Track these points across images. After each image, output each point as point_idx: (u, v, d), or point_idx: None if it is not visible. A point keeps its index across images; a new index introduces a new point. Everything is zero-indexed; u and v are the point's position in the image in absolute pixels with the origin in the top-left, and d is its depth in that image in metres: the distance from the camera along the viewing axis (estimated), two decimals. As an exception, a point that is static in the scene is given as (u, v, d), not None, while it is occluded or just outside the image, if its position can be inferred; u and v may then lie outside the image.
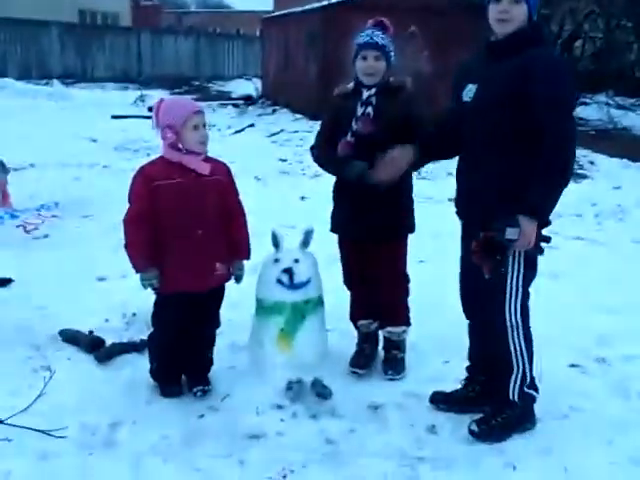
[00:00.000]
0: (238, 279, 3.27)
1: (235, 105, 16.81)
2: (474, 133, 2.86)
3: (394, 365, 3.53)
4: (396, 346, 3.57)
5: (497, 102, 2.72)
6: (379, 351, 3.66)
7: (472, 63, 2.98)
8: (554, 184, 2.66)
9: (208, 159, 3.10)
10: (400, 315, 3.57)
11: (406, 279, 3.55)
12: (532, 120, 2.65)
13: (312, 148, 3.56)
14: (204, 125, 3.05)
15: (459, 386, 3.26)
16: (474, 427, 2.96)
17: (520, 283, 2.86)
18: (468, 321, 3.22)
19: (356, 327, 3.67)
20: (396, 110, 3.27)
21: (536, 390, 3.02)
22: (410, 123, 3.27)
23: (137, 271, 3.03)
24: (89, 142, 10.67)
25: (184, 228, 3.02)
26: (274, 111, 15.74)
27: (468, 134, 2.90)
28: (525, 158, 2.69)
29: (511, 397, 2.97)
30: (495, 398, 3.07)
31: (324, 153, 3.44)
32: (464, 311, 3.20)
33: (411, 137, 3.22)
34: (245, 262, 3.28)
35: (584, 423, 3.09)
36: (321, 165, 3.51)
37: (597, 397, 3.32)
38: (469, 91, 2.85)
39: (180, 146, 3.00)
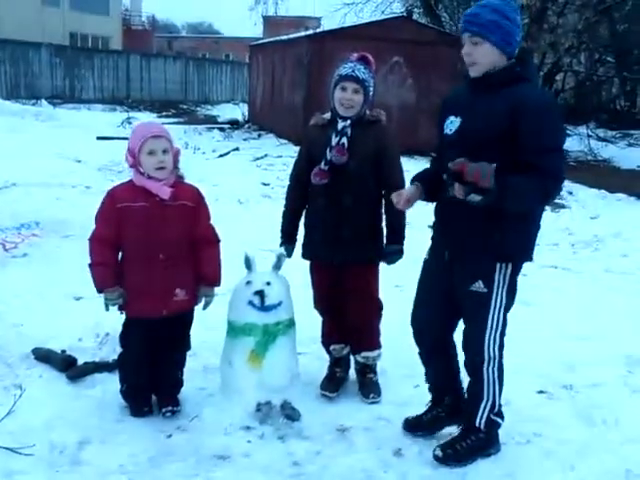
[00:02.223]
0: (206, 305, 3.28)
1: (221, 129, 16.95)
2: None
3: (374, 389, 3.57)
4: (372, 370, 3.62)
5: (480, 136, 2.67)
6: (350, 375, 3.70)
7: (456, 96, 2.93)
8: (529, 198, 2.64)
9: (177, 184, 3.12)
10: (374, 340, 3.62)
11: (379, 304, 3.60)
12: (515, 155, 2.62)
13: (291, 178, 3.64)
14: (164, 150, 3.02)
15: (425, 410, 3.29)
16: (438, 452, 3.00)
17: (502, 316, 2.88)
18: (418, 348, 3.21)
19: (328, 351, 3.71)
20: (370, 142, 3.35)
21: (502, 417, 3.06)
22: (383, 156, 3.37)
23: (99, 290, 3.07)
24: (73, 162, 10.68)
25: (145, 252, 3.05)
26: (259, 136, 15.88)
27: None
28: None
29: (477, 424, 3.01)
30: (461, 420, 3.12)
31: (288, 204, 3.62)
32: (414, 333, 3.18)
33: (383, 169, 3.35)
34: (215, 288, 3.29)
35: (547, 448, 3.13)
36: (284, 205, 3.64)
37: (562, 423, 3.37)
38: (450, 123, 2.83)
39: (141, 170, 3.04)
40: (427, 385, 3.31)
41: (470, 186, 2.53)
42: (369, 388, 3.57)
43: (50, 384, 3.50)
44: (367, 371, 3.63)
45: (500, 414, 3.05)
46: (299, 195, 3.54)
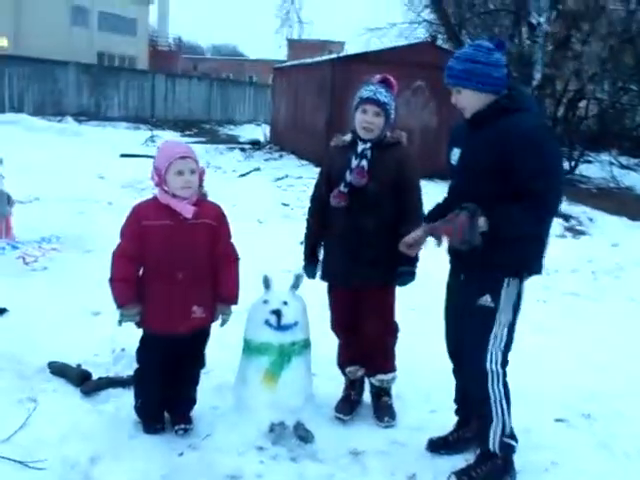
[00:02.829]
0: (223, 323, 3.27)
1: (243, 149, 17.05)
2: (460, 194, 2.92)
3: (389, 412, 3.53)
4: (387, 393, 3.59)
5: (477, 167, 2.82)
6: (364, 398, 3.67)
7: (459, 129, 3.07)
8: (518, 225, 2.75)
9: (200, 202, 3.13)
10: (390, 362, 3.59)
11: (395, 327, 3.57)
12: (507, 188, 2.73)
13: (312, 199, 3.65)
14: (192, 171, 3.05)
15: (451, 430, 3.29)
16: (453, 479, 2.95)
17: (506, 331, 2.91)
18: (452, 364, 3.25)
19: (343, 373, 3.68)
20: (390, 165, 3.34)
21: (515, 440, 3.01)
22: (402, 178, 3.35)
23: (118, 306, 3.06)
24: (96, 179, 10.81)
25: (165, 270, 3.05)
26: (281, 156, 15.95)
27: (455, 194, 3.00)
28: None
29: (491, 448, 2.97)
30: (478, 445, 3.08)
31: (309, 226, 3.62)
32: (448, 352, 3.24)
33: (402, 191, 3.34)
34: (233, 307, 3.28)
35: (565, 478, 3.07)
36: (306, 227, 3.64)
37: (581, 453, 3.30)
38: (454, 155, 2.99)
39: (166, 189, 3.05)
40: (454, 407, 3.32)
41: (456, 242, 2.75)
42: (384, 412, 3.53)
43: (64, 398, 3.50)
44: (382, 394, 3.59)
45: (513, 437, 3.01)
46: (320, 217, 3.54)
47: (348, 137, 3.47)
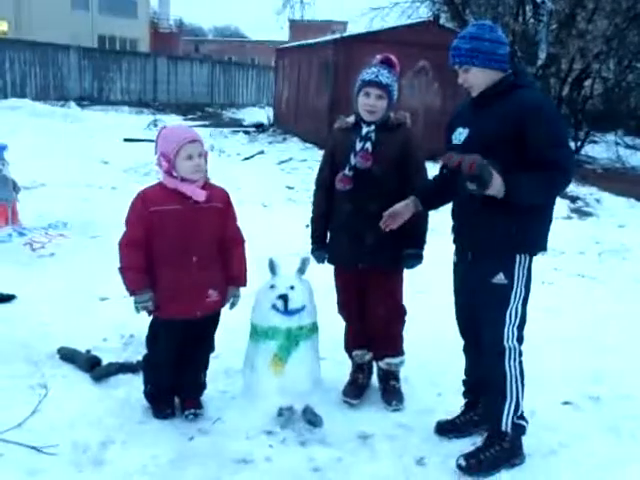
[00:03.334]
0: (232, 305, 3.30)
1: (246, 132, 17.00)
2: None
3: (396, 396, 3.55)
4: (395, 376, 3.60)
5: (488, 144, 2.81)
6: (372, 381, 3.68)
7: (462, 109, 3.12)
8: (537, 192, 2.79)
9: (207, 186, 3.14)
10: (397, 346, 3.60)
11: (403, 310, 3.57)
12: (521, 159, 2.76)
13: (316, 183, 3.64)
14: (199, 154, 3.05)
15: (459, 413, 3.31)
16: (462, 462, 2.97)
17: (520, 307, 2.95)
18: (463, 342, 3.27)
19: (350, 357, 3.70)
20: (394, 146, 3.33)
21: (526, 421, 3.04)
22: (408, 159, 3.35)
23: (131, 294, 3.06)
24: (100, 164, 10.80)
25: (179, 254, 3.06)
26: (284, 139, 15.90)
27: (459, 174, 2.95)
28: None
29: (503, 427, 2.99)
30: (486, 427, 3.10)
31: (315, 210, 3.61)
32: (460, 331, 3.26)
33: (408, 173, 3.34)
34: (242, 289, 3.32)
35: (573, 460, 3.09)
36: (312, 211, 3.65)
37: (588, 435, 3.32)
38: (459, 134, 3.00)
39: (174, 174, 3.05)
40: (463, 389, 3.34)
41: (467, 177, 2.71)
42: (392, 395, 3.55)
43: (74, 384, 3.53)
44: (390, 378, 3.60)
45: (524, 417, 3.03)
46: (325, 200, 3.53)
47: (352, 119, 3.45)
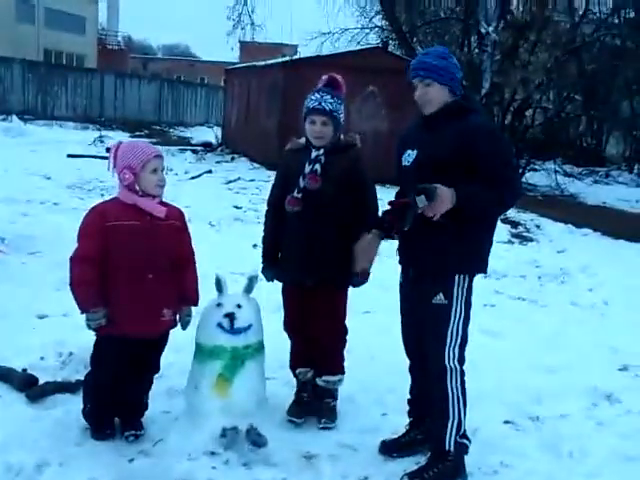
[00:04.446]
0: (184, 325, 3.26)
1: (194, 151, 16.89)
2: None
3: (328, 414, 3.54)
4: (330, 394, 3.59)
5: (437, 165, 2.89)
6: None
7: (411, 131, 3.19)
8: (487, 203, 2.89)
9: (163, 203, 3.11)
10: (336, 364, 3.59)
11: (344, 330, 3.58)
12: (469, 180, 2.84)
13: (268, 202, 3.65)
14: (162, 169, 3.07)
15: (403, 432, 3.32)
16: None
17: (461, 327, 3.00)
18: (409, 361, 3.29)
19: (295, 375, 3.68)
20: (344, 167, 3.37)
21: (468, 440, 3.08)
22: (357, 179, 3.39)
23: (83, 311, 2.96)
24: (42, 179, 10.55)
25: (135, 271, 3.00)
26: (233, 159, 15.88)
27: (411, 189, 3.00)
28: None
29: (447, 447, 3.01)
30: (431, 446, 3.12)
31: (266, 229, 3.63)
32: (406, 350, 3.28)
33: (357, 193, 3.37)
34: (193, 308, 3.29)
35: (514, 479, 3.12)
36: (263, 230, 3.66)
37: (529, 454, 3.37)
38: (408, 156, 3.06)
39: (137, 188, 3.01)
40: (407, 408, 3.36)
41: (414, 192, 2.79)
42: (324, 413, 3.54)
43: (9, 404, 3.40)
44: (326, 395, 3.59)
45: (466, 437, 3.07)
46: (276, 219, 3.54)
47: (303, 140, 3.48)
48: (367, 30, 19.75)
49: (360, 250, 3.14)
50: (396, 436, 3.33)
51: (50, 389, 3.52)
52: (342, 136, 3.45)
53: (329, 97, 3.35)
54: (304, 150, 3.43)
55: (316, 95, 3.36)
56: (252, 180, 12.56)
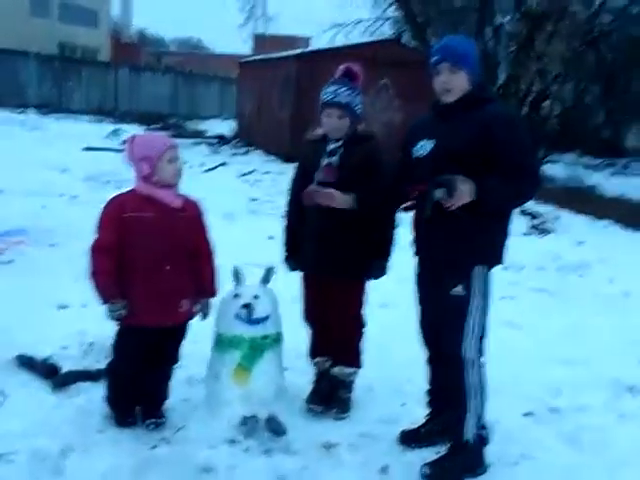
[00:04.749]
0: (204, 316, 3.29)
1: (209, 144, 16.91)
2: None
3: (340, 404, 3.54)
4: (345, 386, 3.59)
5: (456, 154, 2.87)
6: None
7: (424, 122, 3.16)
8: (508, 196, 2.86)
9: (179, 195, 3.13)
10: (351, 357, 3.59)
11: (360, 323, 3.57)
12: (488, 170, 2.81)
13: (289, 192, 3.66)
14: (178, 159, 3.09)
15: (422, 422, 3.33)
16: (426, 470, 2.98)
17: (479, 319, 2.98)
18: (427, 352, 3.29)
19: (313, 364, 3.68)
20: (361, 159, 3.34)
21: (488, 431, 3.08)
22: (374, 171, 3.35)
23: (103, 301, 2.98)
24: (59, 172, 10.60)
25: (153, 262, 3.02)
26: (247, 151, 15.88)
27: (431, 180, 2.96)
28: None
29: (466, 437, 3.01)
30: (450, 437, 3.12)
31: (287, 219, 3.66)
32: (423, 342, 3.28)
33: (371, 184, 3.33)
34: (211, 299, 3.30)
35: (534, 471, 3.12)
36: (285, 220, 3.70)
37: (549, 446, 3.36)
38: (421, 147, 3.02)
39: (154, 179, 3.02)
40: (427, 399, 3.36)
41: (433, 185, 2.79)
42: (335, 403, 3.54)
43: (33, 392, 3.44)
44: (340, 386, 3.59)
45: (486, 428, 3.07)
46: (297, 209, 3.54)
47: (321, 131, 3.47)
48: (381, 21, 19.63)
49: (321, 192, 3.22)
50: (415, 426, 3.33)
51: (72, 377, 3.56)
52: (359, 127, 3.42)
53: (345, 89, 3.32)
54: (322, 141, 3.42)
55: (332, 87, 3.33)
56: (267, 172, 12.57)
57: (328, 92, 3.33)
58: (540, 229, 9.44)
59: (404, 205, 3.05)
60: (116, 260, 2.97)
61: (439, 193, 2.76)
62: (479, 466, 3.06)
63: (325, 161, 3.34)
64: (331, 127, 3.34)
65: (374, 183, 3.33)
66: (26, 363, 3.67)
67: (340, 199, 3.25)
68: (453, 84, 2.95)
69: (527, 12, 15.07)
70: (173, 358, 3.31)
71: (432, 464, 3.01)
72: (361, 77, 3.44)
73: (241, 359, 3.30)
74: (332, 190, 3.24)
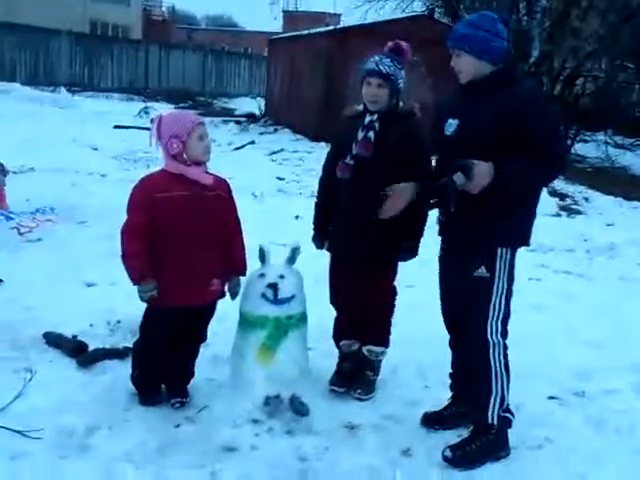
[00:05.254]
0: (234, 295, 3.31)
1: (238, 122, 16.92)
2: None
3: (364, 385, 3.54)
4: (371, 366, 3.59)
5: (479, 135, 2.84)
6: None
7: (451, 100, 3.14)
8: (529, 179, 2.84)
9: (208, 174, 3.13)
10: (382, 336, 3.59)
11: (391, 302, 3.56)
12: (511, 151, 2.78)
13: (322, 170, 3.65)
14: (207, 136, 3.09)
15: (445, 405, 3.32)
16: (448, 453, 2.98)
17: (503, 301, 2.96)
18: (449, 336, 3.28)
19: (338, 347, 3.69)
20: (399, 136, 3.30)
21: (512, 414, 3.06)
22: (411, 150, 3.30)
23: (135, 283, 3.00)
24: (90, 150, 10.72)
25: (184, 241, 3.03)
26: (276, 130, 15.84)
27: (450, 163, 2.91)
28: None
29: (490, 420, 3.00)
30: (472, 419, 3.11)
31: (318, 196, 3.66)
32: (445, 325, 3.27)
33: (411, 164, 3.27)
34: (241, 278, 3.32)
35: (558, 455, 3.10)
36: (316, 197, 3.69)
37: (573, 429, 3.33)
38: (449, 125, 3.00)
39: (185, 156, 3.02)
40: (449, 382, 3.35)
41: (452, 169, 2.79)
42: (360, 384, 3.53)
43: (60, 369, 3.51)
44: (366, 367, 3.58)
45: (509, 410, 3.05)
46: (329, 187, 3.53)
47: (360, 107, 3.43)
48: (413, -3, 19.31)
49: (395, 192, 3.14)
50: (438, 409, 3.32)
51: (99, 355, 3.61)
52: (401, 103, 3.39)
53: (388, 60, 3.30)
54: (360, 116, 3.38)
55: (375, 57, 3.31)
56: (295, 151, 12.54)
57: (371, 61, 3.30)
58: (569, 210, 9.30)
59: (431, 201, 2.99)
60: (147, 241, 2.98)
61: (458, 178, 2.73)
62: (502, 449, 3.05)
63: (361, 135, 3.30)
64: (369, 96, 3.30)
65: (418, 163, 3.28)
66: (54, 340, 3.74)
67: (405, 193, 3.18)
68: (459, 67, 2.96)
69: (563, -14, 14.72)
70: (201, 337, 3.35)
71: (454, 447, 3.00)
72: (409, 55, 3.40)
73: (266, 339, 3.31)
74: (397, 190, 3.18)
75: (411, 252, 3.43)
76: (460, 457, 2.96)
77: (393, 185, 3.17)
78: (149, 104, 18.30)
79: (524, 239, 3.02)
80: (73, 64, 23.38)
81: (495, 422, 3.00)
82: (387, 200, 3.18)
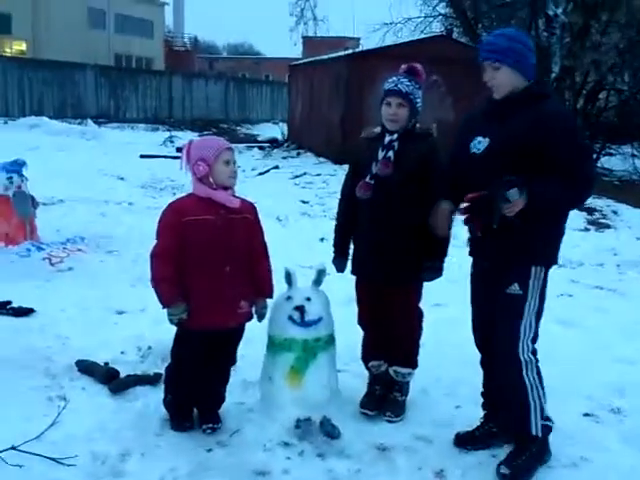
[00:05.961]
0: (261, 317, 3.32)
1: (261, 148, 17.10)
2: (487, 181, 2.86)
3: (394, 407, 3.52)
4: (399, 388, 3.57)
5: (511, 153, 2.83)
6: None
7: (478, 116, 3.11)
8: (561, 200, 2.85)
9: (236, 197, 3.17)
10: (409, 357, 3.57)
11: (417, 323, 3.54)
12: (542, 169, 2.78)
13: (342, 192, 3.66)
14: (234, 162, 3.14)
15: (478, 424, 3.29)
16: (504, 470, 2.93)
17: (534, 320, 2.95)
18: (480, 355, 3.25)
19: (367, 368, 3.68)
20: (417, 156, 3.32)
21: (551, 421, 3.06)
22: (430, 170, 3.31)
23: (164, 306, 3.04)
24: (117, 180, 10.91)
25: (212, 264, 3.06)
26: (298, 154, 15.97)
27: (478, 182, 2.89)
28: None
29: (534, 432, 2.98)
30: (514, 435, 3.09)
31: (338, 218, 3.65)
32: (476, 343, 3.24)
33: (427, 183, 3.30)
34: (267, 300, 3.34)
35: (594, 473, 3.04)
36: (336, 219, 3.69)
37: (609, 448, 3.27)
38: (478, 143, 2.97)
39: (211, 180, 3.07)
40: (481, 401, 3.32)
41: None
42: (389, 406, 3.51)
43: (93, 396, 3.54)
44: (394, 388, 3.56)
45: (549, 418, 3.05)
46: (349, 209, 3.54)
47: (378, 129, 3.46)
48: (431, 18, 19.45)
49: (437, 216, 3.13)
50: (470, 429, 3.29)
51: (131, 382, 3.64)
52: (418, 124, 3.41)
53: (406, 80, 3.34)
54: (378, 138, 3.41)
55: (393, 78, 3.35)
56: (318, 174, 12.62)
57: (390, 81, 3.35)
58: (598, 224, 9.20)
59: (462, 207, 2.99)
60: (176, 264, 3.03)
61: (512, 196, 2.71)
62: (546, 454, 3.06)
63: (381, 154, 3.33)
64: (389, 115, 3.33)
65: (433, 182, 3.28)
66: (86, 368, 3.78)
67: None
68: (498, 81, 2.91)
69: (582, 2, 14.70)
70: (231, 359, 3.36)
71: (507, 463, 2.97)
72: (423, 75, 3.44)
73: (294, 362, 3.32)
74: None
75: (435, 272, 3.41)
76: (516, 472, 2.93)
77: (432, 215, 3.15)
78: (173, 133, 18.59)
79: (555, 257, 3.01)
80: (99, 96, 23.89)
81: (539, 433, 2.98)
82: (435, 218, 3.16)
